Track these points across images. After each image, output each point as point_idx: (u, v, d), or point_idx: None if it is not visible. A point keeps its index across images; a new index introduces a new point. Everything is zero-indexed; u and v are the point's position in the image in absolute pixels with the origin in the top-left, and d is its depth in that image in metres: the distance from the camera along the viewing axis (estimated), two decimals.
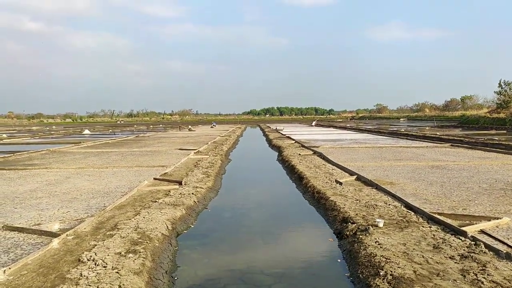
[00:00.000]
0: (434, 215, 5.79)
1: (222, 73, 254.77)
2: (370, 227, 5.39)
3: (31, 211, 6.52)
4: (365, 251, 4.76)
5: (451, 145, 17.74)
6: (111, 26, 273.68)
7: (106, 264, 4.25)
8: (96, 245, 4.85)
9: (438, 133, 25.45)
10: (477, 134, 24.68)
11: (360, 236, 5.23)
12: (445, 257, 4.34)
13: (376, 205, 6.75)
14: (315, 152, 15.75)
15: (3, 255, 4.52)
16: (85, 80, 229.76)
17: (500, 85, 41.78)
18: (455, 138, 20.87)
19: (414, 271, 3.98)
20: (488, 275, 3.81)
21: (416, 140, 21.56)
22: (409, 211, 6.29)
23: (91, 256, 4.44)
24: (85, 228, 5.54)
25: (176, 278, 4.71)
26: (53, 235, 5.14)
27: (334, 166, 11.70)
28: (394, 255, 4.45)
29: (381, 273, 4.06)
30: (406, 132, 27.41)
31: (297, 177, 10.91)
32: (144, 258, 4.55)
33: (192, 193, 8.27)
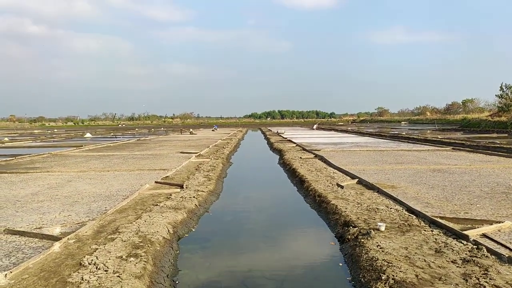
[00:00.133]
0: (436, 218, 5.77)
1: (224, 76, 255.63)
2: (372, 231, 5.38)
3: (33, 215, 6.53)
4: (366, 255, 4.75)
5: (453, 149, 17.71)
6: (113, 29, 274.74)
7: (108, 268, 4.24)
8: (97, 248, 4.85)
9: (439, 137, 25.41)
10: (479, 138, 24.64)
11: (362, 240, 5.22)
12: (447, 261, 4.33)
13: (377, 208, 6.74)
14: (316, 156, 15.74)
15: (4, 258, 4.52)
16: (86, 83, 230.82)
17: (501, 88, 41.73)
18: (457, 141, 20.84)
19: (416, 275, 3.97)
20: (490, 279, 3.80)
21: (418, 144, 21.54)
22: (410, 214, 6.28)
23: (92, 260, 4.44)
24: (86, 232, 5.54)
25: (177, 282, 4.71)
26: (55, 238, 5.14)
27: (335, 170, 11.69)
28: (396, 259, 4.44)
29: (383, 277, 4.04)
30: (408, 136, 27.39)
31: (298, 181, 10.90)
32: (145, 262, 4.54)
33: (194, 197, 8.27)
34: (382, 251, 4.72)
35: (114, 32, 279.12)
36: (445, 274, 3.97)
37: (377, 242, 5.01)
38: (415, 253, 4.60)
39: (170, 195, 8.31)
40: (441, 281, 3.84)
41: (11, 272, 4.03)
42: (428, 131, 35.74)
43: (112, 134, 45.12)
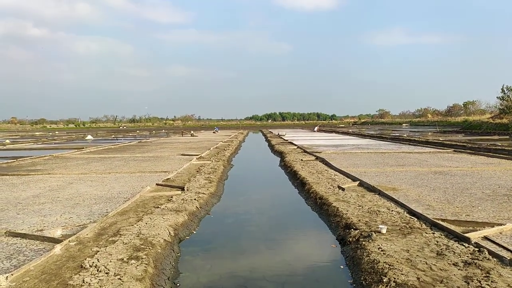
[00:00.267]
0: (437, 221, 5.76)
1: (225, 78, 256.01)
2: (373, 233, 5.37)
3: (34, 217, 6.53)
4: (368, 257, 4.74)
5: (454, 151, 17.69)
6: (114, 32, 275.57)
7: (109, 270, 4.24)
8: (98, 251, 4.85)
9: (440, 139, 25.39)
10: (480, 140, 24.61)
11: (363, 243, 5.21)
12: (448, 263, 4.32)
13: (379, 211, 6.73)
14: (317, 158, 15.74)
15: (5, 261, 4.53)
16: (87, 86, 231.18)
17: (502, 90, 41.69)
18: (458, 143, 20.81)
19: (418, 278, 3.96)
20: (492, 282, 3.79)
21: (419, 146, 21.51)
22: (412, 217, 6.27)
23: (93, 262, 4.44)
24: (87, 234, 5.54)
25: (178, 284, 4.70)
26: (56, 241, 5.14)
27: (336, 172, 11.68)
28: (397, 261, 4.43)
29: (384, 280, 4.03)
30: (409, 138, 27.36)
31: (300, 183, 10.90)
32: (146, 264, 4.54)
33: (195, 199, 8.27)
34: (384, 253, 4.71)
35: (115, 34, 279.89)
36: (446, 277, 3.96)
37: (378, 245, 5.00)
38: (417, 255, 4.59)
39: (171, 197, 8.31)
40: (443, 284, 3.83)
41: (12, 275, 4.03)
42: (429, 133, 35.72)
43: (113, 136, 45.18)
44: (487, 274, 3.96)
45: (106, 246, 5.03)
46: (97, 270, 4.24)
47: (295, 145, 23.70)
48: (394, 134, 34.35)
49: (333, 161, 14.07)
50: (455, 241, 5.04)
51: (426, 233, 5.43)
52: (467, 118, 54.69)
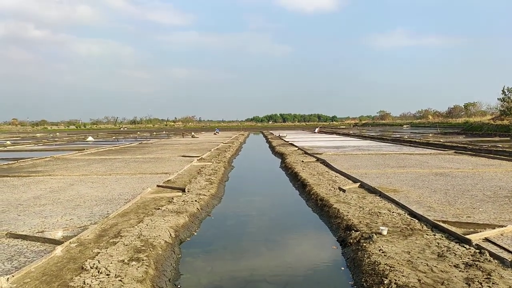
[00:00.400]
0: (438, 223, 5.76)
1: (226, 80, 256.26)
2: (374, 235, 5.37)
3: (35, 219, 6.54)
4: (369, 259, 4.74)
5: (455, 152, 17.68)
6: (115, 33, 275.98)
7: (109, 272, 4.24)
8: (99, 252, 4.85)
9: (441, 140, 25.37)
10: (481, 141, 24.58)
11: (364, 244, 5.21)
12: (449, 265, 4.31)
13: (379, 212, 6.72)
14: (318, 159, 15.73)
15: (6, 262, 4.53)
16: (89, 87, 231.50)
17: (503, 92, 41.73)
18: (459, 145, 20.79)
19: (419, 280, 3.96)
20: (493, 283, 3.78)
21: (420, 147, 21.50)
22: (413, 218, 6.26)
23: (94, 264, 4.44)
24: (88, 236, 5.55)
25: (179, 286, 4.70)
26: (57, 242, 5.15)
27: (337, 173, 11.67)
28: (398, 263, 4.42)
29: (385, 282, 4.03)
30: (410, 139, 27.33)
31: (300, 184, 10.89)
32: (147, 266, 4.54)
33: (195, 200, 8.27)
34: (384, 255, 4.71)
35: (116, 36, 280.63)
36: (447, 279, 3.96)
37: (379, 246, 5.00)
38: (418, 257, 4.59)
39: (172, 198, 8.31)
40: (444, 285, 3.83)
41: (13, 276, 4.04)
42: (430, 135, 35.70)
43: (114, 137, 45.22)
44: (488, 276, 3.95)
45: (107, 248, 5.03)
46: (98, 272, 4.24)
47: (296, 146, 23.69)
48: (395, 136, 34.33)
49: (334, 162, 14.06)
50: (456, 242, 5.03)
51: (427, 234, 5.43)
52: (468, 119, 54.67)
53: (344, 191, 8.77)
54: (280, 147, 24.28)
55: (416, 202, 7.36)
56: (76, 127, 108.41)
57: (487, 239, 5.07)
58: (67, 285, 3.94)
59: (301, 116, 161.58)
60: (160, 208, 7.41)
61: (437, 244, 5.00)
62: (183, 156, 18.13)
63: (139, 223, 6.30)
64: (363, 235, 5.53)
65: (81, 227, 5.98)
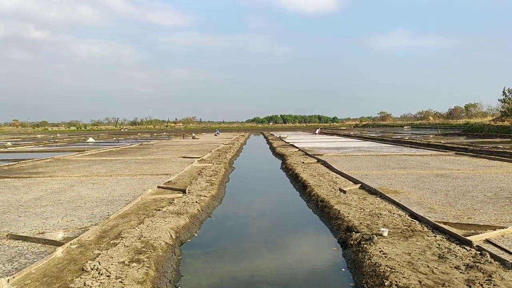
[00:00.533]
0: (439, 224, 5.75)
1: (226, 81, 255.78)
2: (375, 236, 5.37)
3: (35, 220, 6.54)
4: (369, 260, 4.73)
5: (456, 153, 17.67)
6: (115, 34, 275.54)
7: (110, 273, 4.24)
8: (99, 254, 4.85)
9: (442, 141, 25.35)
10: (482, 142, 24.57)
11: (365, 246, 5.21)
12: (450, 267, 4.30)
13: (380, 214, 6.72)
14: (318, 160, 15.73)
15: (7, 264, 4.53)
16: (89, 88, 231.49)
17: (504, 93, 41.71)
18: (460, 146, 20.77)
19: (419, 281, 3.95)
20: (494, 285, 3.78)
21: (420, 148, 21.49)
22: (413, 220, 6.25)
23: (94, 265, 4.45)
24: (89, 237, 5.55)
25: (179, 287, 4.70)
26: (57, 244, 5.15)
27: (338, 175, 11.67)
28: (399, 265, 4.42)
29: (386, 283, 4.03)
30: (410, 140, 27.33)
31: (301, 186, 10.89)
32: (147, 267, 4.54)
33: (196, 202, 8.27)
34: (385, 256, 4.70)
35: (116, 37, 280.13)
36: (448, 280, 3.95)
37: (380, 248, 4.99)
38: (418, 258, 4.58)
39: (173, 200, 8.31)
40: (445, 287, 3.82)
41: (13, 278, 4.04)
42: (431, 136, 35.68)
43: (114, 138, 45.25)
44: (489, 278, 3.94)
45: (108, 249, 5.03)
46: (99, 273, 4.24)
47: (297, 147, 23.69)
48: (395, 137, 34.30)
49: (335, 163, 14.06)
50: (457, 244, 5.02)
51: (428, 236, 5.42)
52: (468, 120, 54.62)
53: (344, 192, 8.77)
54: (281, 148, 24.28)
55: (417, 203, 7.35)
56: (77, 128, 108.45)
57: (488, 241, 5.07)
58: (68, 287, 3.94)
59: (302, 117, 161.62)
60: (161, 209, 7.41)
61: (438, 246, 5.00)
62: (183, 157, 18.14)
63: (139, 224, 6.30)
64: (364, 236, 5.52)
65: (81, 228, 5.99)
